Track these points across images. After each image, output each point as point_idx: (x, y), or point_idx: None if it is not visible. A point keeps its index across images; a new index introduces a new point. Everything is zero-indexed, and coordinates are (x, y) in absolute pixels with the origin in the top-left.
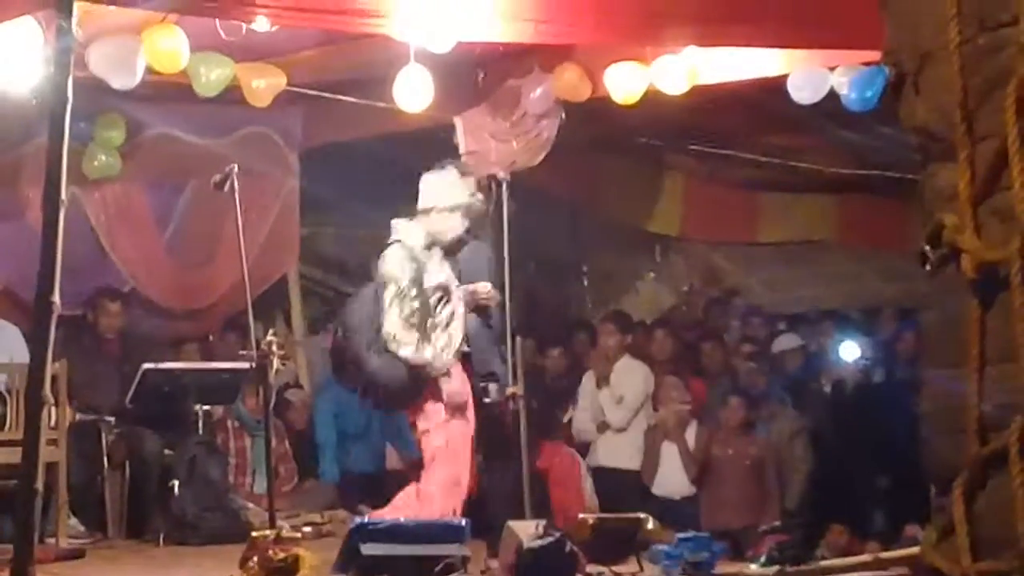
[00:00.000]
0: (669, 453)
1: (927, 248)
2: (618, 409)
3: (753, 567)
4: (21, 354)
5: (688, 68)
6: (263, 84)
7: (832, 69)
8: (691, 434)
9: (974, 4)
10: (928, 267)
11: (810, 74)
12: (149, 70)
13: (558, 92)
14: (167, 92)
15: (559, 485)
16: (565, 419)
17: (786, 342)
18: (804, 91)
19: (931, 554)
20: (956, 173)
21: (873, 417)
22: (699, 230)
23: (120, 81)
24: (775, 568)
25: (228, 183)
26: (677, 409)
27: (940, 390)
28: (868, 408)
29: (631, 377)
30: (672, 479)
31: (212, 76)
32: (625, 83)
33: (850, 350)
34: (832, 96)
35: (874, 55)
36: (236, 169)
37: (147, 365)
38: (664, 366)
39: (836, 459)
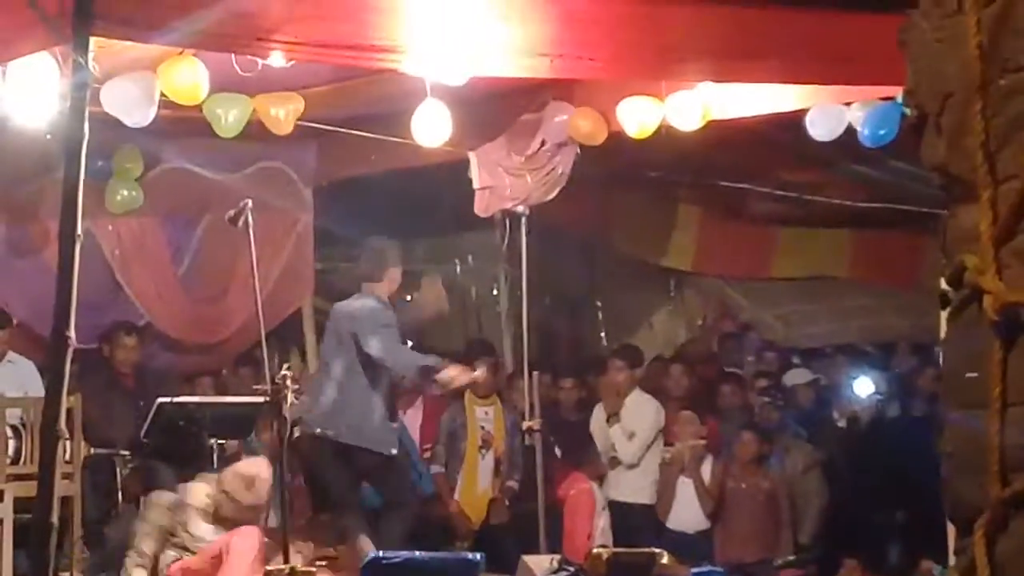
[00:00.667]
0: (684, 487)
1: (949, 288)
2: (629, 445)
3: None
4: (36, 388)
5: (702, 104)
6: (283, 112)
7: (848, 104)
8: (706, 469)
9: (996, 46)
10: (949, 308)
11: (826, 111)
12: (164, 105)
13: (575, 136)
14: (182, 127)
15: (570, 515)
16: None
17: (798, 376)
18: (821, 128)
19: None
20: (978, 214)
21: (889, 451)
22: (713, 265)
23: (134, 118)
24: None
25: (242, 218)
26: (692, 444)
27: (961, 430)
28: (883, 442)
29: (642, 412)
30: (687, 513)
31: (231, 116)
32: (639, 118)
33: (864, 385)
34: (848, 131)
35: (891, 90)
36: (250, 204)
37: (162, 399)
38: (679, 402)
39: (850, 493)
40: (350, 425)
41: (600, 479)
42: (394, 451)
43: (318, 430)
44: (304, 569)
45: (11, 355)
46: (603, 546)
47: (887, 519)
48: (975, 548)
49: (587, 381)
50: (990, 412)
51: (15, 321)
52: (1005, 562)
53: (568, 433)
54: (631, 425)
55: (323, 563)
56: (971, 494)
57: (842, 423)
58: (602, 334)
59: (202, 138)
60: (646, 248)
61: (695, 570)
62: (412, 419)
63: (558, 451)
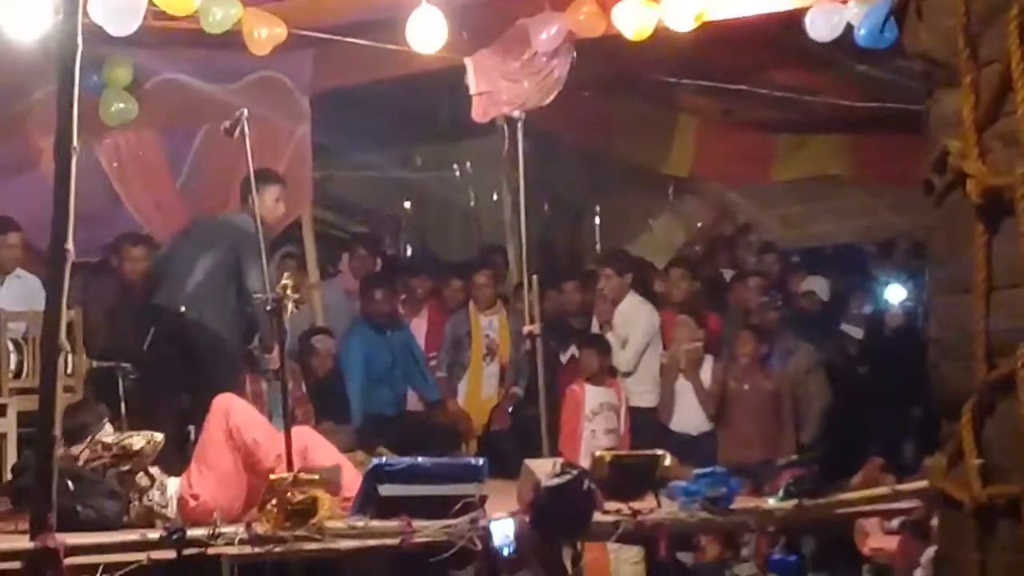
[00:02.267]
0: (684, 390)
1: (932, 175)
2: (623, 352)
3: (771, 501)
4: (41, 304)
5: (697, 4)
6: (264, 33)
7: (845, 2)
8: (707, 371)
9: None
10: (934, 194)
11: (826, 9)
12: (157, 15)
13: (574, 28)
14: (174, 38)
15: (563, 418)
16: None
17: (812, 284)
18: (821, 27)
19: (941, 481)
20: (960, 99)
21: (908, 348)
22: (711, 171)
23: (120, 27)
24: (793, 502)
25: (238, 129)
26: (687, 348)
27: (947, 316)
28: (902, 341)
29: (634, 318)
30: (689, 416)
31: (220, 15)
32: (635, 19)
33: (896, 292)
34: (847, 30)
35: None
36: (246, 114)
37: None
38: (679, 305)
39: (861, 392)
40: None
41: (599, 381)
42: None
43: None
44: (307, 478)
45: (19, 271)
46: (608, 449)
47: (902, 417)
48: (962, 431)
49: (588, 284)
50: (975, 296)
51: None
52: (992, 444)
53: (571, 337)
54: (624, 331)
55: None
56: (958, 379)
57: (858, 325)
58: (596, 242)
59: (197, 49)
60: (644, 156)
61: (698, 472)
62: (417, 328)
63: (562, 357)
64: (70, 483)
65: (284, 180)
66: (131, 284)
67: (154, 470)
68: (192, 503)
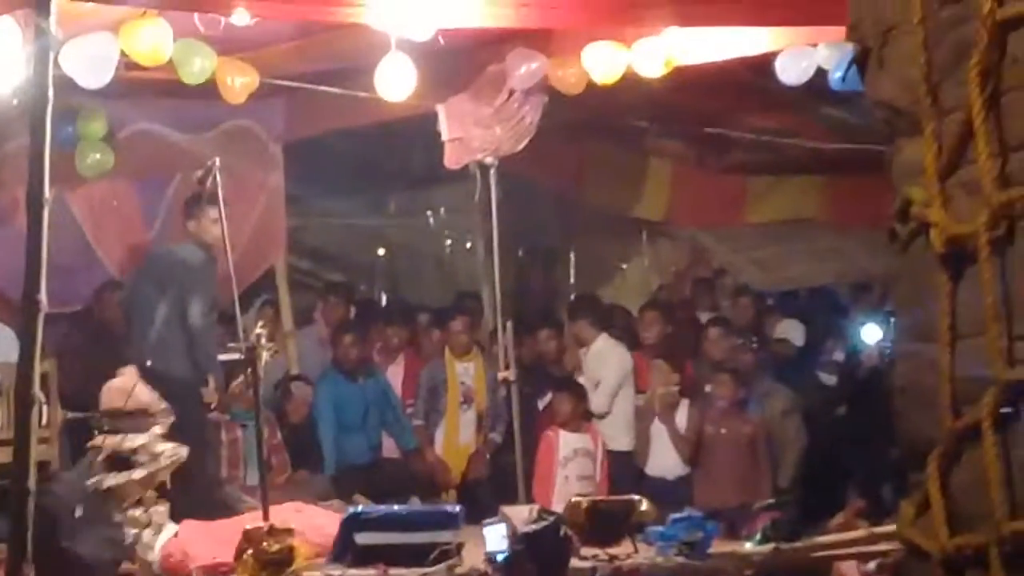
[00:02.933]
0: (660, 434)
1: (896, 223)
2: (595, 394)
3: (748, 545)
4: (15, 355)
5: (667, 49)
6: (238, 82)
7: (815, 46)
8: (682, 415)
9: None
10: (897, 242)
11: (795, 54)
12: (129, 66)
13: (555, 85)
14: (147, 88)
15: (537, 463)
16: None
17: (788, 328)
18: (791, 72)
19: (909, 530)
20: (922, 147)
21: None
22: (685, 215)
23: (92, 80)
24: (770, 546)
25: (211, 178)
26: (662, 392)
27: (912, 364)
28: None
29: (606, 360)
30: (665, 460)
31: (196, 66)
32: (604, 64)
33: (871, 333)
34: (818, 73)
35: None
36: (218, 163)
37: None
38: (654, 349)
39: (838, 435)
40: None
41: (574, 427)
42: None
43: None
44: (284, 528)
45: None
46: (583, 494)
47: (880, 459)
48: (929, 481)
49: (563, 331)
50: (940, 345)
51: None
52: (959, 494)
53: (548, 384)
54: (596, 374)
55: None
56: (924, 427)
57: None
58: (571, 287)
59: (169, 99)
60: (617, 200)
61: (674, 516)
62: (393, 376)
63: (539, 403)
64: (71, 523)
65: (225, 201)
66: (112, 332)
67: (160, 509)
68: (175, 558)
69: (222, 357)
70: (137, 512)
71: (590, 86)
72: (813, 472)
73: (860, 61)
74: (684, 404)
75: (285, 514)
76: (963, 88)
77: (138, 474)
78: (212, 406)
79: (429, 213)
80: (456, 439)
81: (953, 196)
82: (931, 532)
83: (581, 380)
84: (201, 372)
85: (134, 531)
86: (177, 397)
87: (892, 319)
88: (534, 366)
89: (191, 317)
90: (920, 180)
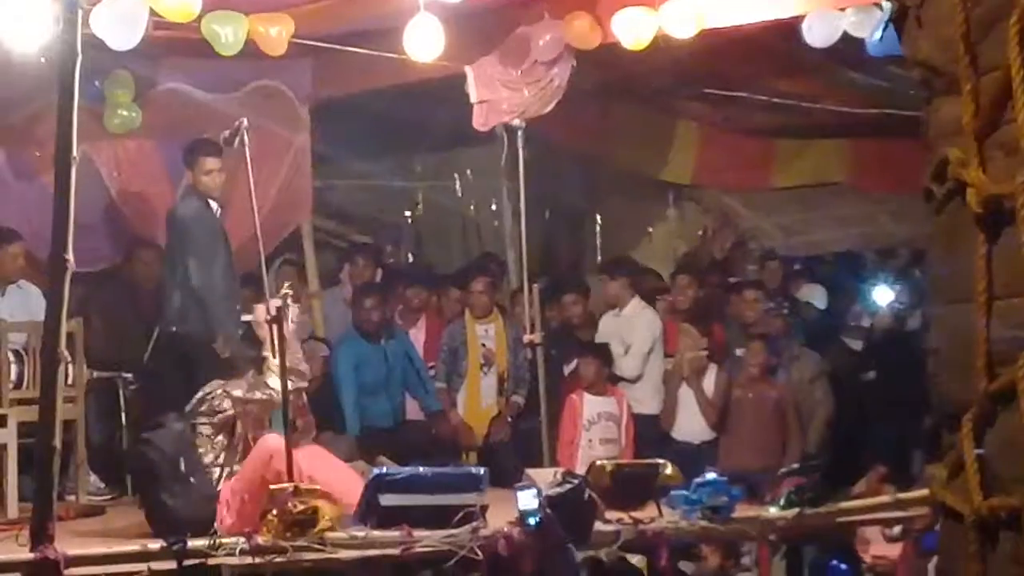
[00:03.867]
0: (687, 398)
1: (932, 183)
2: (626, 358)
3: (772, 510)
4: (43, 314)
5: (696, 11)
6: (275, 31)
7: (843, 10)
8: (710, 379)
9: None
10: (933, 202)
11: (823, 17)
12: (158, 26)
13: (570, 40)
14: (175, 48)
15: (561, 426)
16: None
17: (809, 293)
18: (818, 34)
19: (942, 492)
20: (960, 107)
21: (914, 357)
22: (712, 178)
23: (121, 41)
24: (794, 511)
25: (238, 138)
26: (691, 356)
27: (948, 326)
28: (907, 349)
29: (636, 324)
30: (691, 424)
31: (230, 34)
32: (634, 28)
33: (883, 294)
34: (844, 38)
35: None
36: (246, 123)
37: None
38: (685, 313)
39: (867, 402)
40: None
41: (598, 390)
42: None
43: None
44: (308, 487)
45: (20, 281)
46: (608, 458)
47: (910, 427)
48: (962, 443)
49: (589, 294)
50: (976, 306)
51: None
52: (992, 456)
53: (572, 348)
54: (627, 338)
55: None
56: (958, 390)
57: (855, 339)
58: (597, 250)
59: (197, 59)
60: (644, 163)
61: (698, 480)
62: (415, 337)
63: (565, 368)
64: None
65: (221, 151)
66: (142, 290)
67: None
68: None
69: (246, 317)
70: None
71: (616, 48)
72: (839, 437)
73: (898, 21)
74: (712, 369)
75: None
76: (1002, 47)
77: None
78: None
79: (455, 175)
80: (478, 402)
81: (991, 156)
82: (965, 494)
83: (612, 342)
84: (211, 330)
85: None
86: (193, 358)
87: (917, 284)
88: (562, 331)
89: (190, 273)
90: (957, 140)
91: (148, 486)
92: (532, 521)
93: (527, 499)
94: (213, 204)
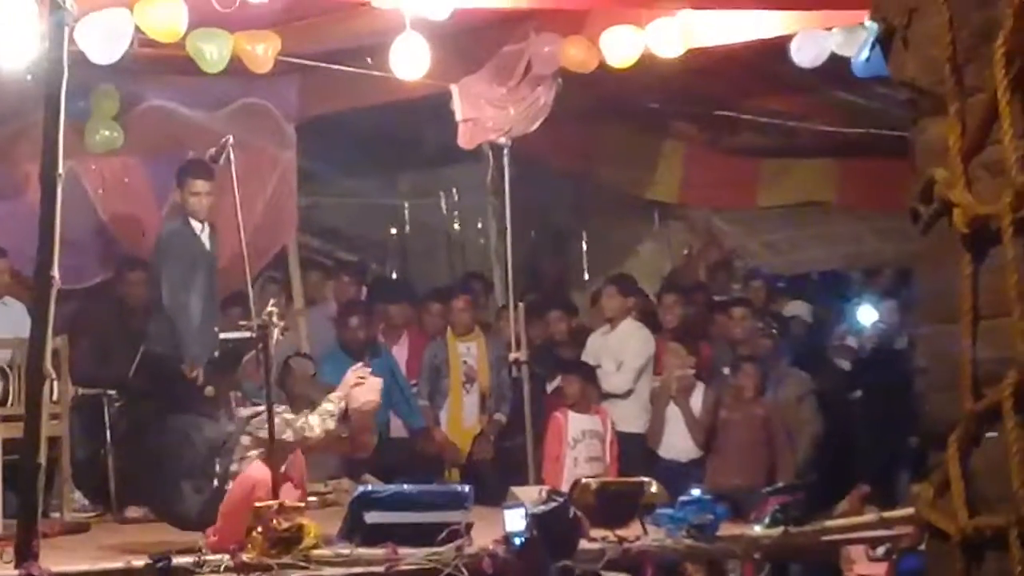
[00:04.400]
0: (674, 417)
1: (918, 203)
2: (618, 374)
3: (757, 529)
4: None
5: (683, 30)
6: (261, 48)
7: (829, 29)
8: (697, 398)
9: None
10: (920, 223)
11: (811, 36)
12: (144, 43)
13: (566, 63)
14: (162, 66)
15: (545, 444)
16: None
17: (795, 308)
18: (805, 54)
19: (928, 511)
20: (946, 127)
21: (901, 377)
22: (698, 197)
23: (105, 56)
24: (779, 529)
25: (223, 156)
26: (679, 375)
27: (934, 345)
28: (893, 369)
29: (630, 342)
30: (678, 443)
31: (215, 52)
32: (620, 47)
33: (868, 314)
34: (831, 58)
35: None
36: (231, 141)
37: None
38: (669, 332)
39: (854, 421)
40: None
41: (583, 408)
42: None
43: None
44: (293, 505)
45: (5, 298)
46: (592, 476)
47: (897, 447)
48: (949, 462)
49: (575, 312)
50: (962, 326)
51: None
52: (978, 475)
53: (557, 366)
54: (620, 355)
55: (313, 499)
56: (944, 409)
57: (846, 352)
58: (584, 268)
59: (183, 76)
60: (631, 182)
61: (683, 498)
62: (398, 355)
63: (548, 386)
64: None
65: (212, 175)
66: (130, 308)
67: None
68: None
69: (231, 335)
70: None
71: (603, 67)
72: (826, 457)
73: (884, 41)
74: (699, 388)
75: None
76: (988, 69)
77: None
78: (197, 379)
79: (441, 193)
80: (460, 420)
81: (977, 177)
82: (950, 513)
83: (604, 359)
84: (181, 353)
85: None
86: (169, 379)
87: (903, 303)
88: (545, 349)
89: (163, 294)
90: (944, 160)
91: (175, 466)
92: (518, 541)
93: (514, 519)
94: (197, 225)
